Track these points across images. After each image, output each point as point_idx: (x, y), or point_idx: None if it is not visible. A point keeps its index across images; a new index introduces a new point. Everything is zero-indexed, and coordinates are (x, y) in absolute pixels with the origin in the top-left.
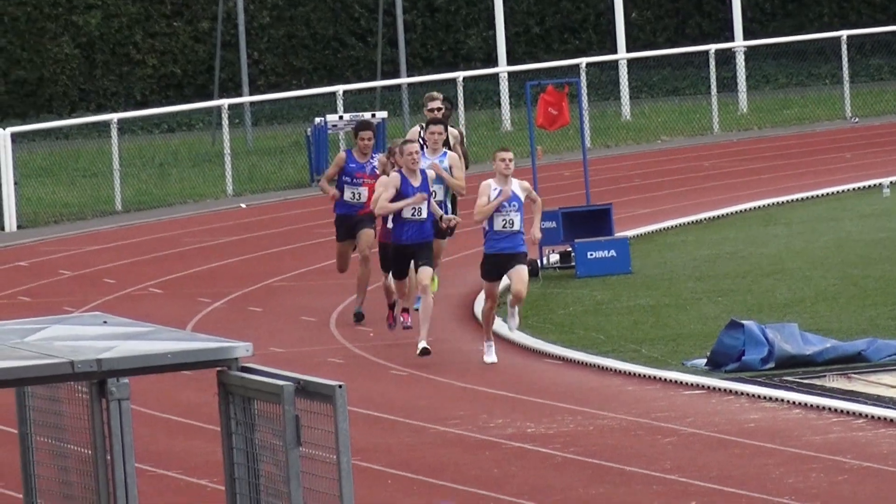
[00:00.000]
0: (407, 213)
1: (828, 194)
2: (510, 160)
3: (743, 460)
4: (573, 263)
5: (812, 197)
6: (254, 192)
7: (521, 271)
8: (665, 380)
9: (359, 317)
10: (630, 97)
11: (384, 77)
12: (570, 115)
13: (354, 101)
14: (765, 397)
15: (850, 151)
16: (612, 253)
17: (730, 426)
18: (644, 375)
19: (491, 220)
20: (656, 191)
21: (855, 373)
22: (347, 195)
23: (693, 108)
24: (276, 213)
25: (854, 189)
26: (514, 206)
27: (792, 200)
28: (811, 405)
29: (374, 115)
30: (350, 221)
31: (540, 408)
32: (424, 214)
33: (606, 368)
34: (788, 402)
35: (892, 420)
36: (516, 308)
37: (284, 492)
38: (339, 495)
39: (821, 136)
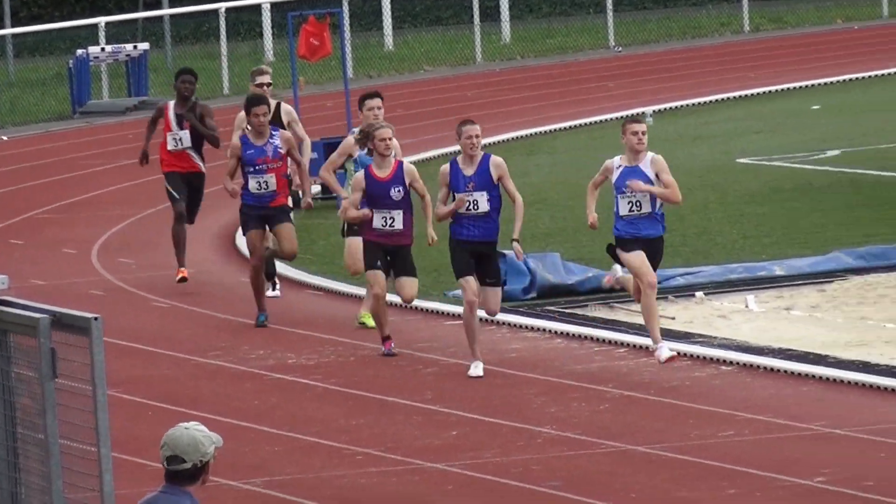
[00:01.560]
0: (461, 209)
1: (591, 123)
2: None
3: (504, 390)
4: (335, 194)
5: (575, 126)
6: (16, 125)
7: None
8: (426, 310)
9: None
10: (393, 27)
11: (146, 8)
12: (332, 45)
13: (117, 33)
14: (527, 327)
15: (613, 80)
16: None
17: (491, 356)
18: (405, 306)
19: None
20: (419, 121)
21: (617, 302)
22: (253, 186)
23: (456, 38)
24: (38, 145)
25: (617, 118)
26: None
27: (555, 130)
28: (573, 334)
29: (136, 47)
30: (260, 211)
31: (301, 339)
32: (485, 207)
33: None
34: (550, 331)
35: (653, 349)
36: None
37: (40, 424)
38: (94, 427)
39: (584, 66)
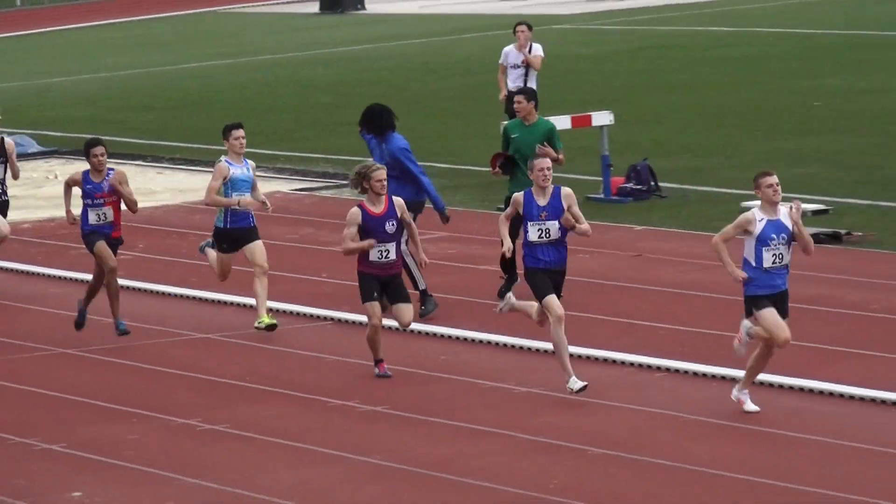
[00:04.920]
0: (534, 236)
1: None
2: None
3: None
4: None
5: None
6: None
7: None
8: None
9: (79, 323)
10: None
11: None
12: None
13: None
14: None
15: None
16: None
17: None
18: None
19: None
20: None
21: None
22: (93, 218)
23: None
24: None
25: None
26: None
27: None
28: None
29: None
30: (102, 237)
31: None
32: (557, 234)
33: None
34: None
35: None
36: None
37: None
38: None
39: None
